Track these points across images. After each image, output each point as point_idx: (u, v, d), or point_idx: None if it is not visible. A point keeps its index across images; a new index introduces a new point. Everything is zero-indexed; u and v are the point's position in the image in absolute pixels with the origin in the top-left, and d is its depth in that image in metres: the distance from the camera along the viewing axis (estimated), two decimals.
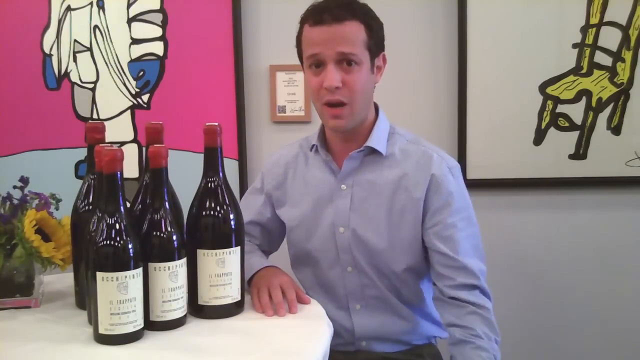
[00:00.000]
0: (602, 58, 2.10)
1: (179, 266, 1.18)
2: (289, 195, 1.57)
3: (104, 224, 1.11)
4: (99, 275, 1.09)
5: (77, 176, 2.21)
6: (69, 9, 2.17)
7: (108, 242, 1.10)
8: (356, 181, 1.47)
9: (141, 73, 2.19)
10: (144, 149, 1.28)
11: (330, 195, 1.49)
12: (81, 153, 2.17)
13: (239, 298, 1.27)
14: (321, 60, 1.38)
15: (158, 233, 1.17)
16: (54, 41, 2.18)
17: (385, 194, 1.45)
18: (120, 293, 1.09)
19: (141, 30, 2.17)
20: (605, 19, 2.09)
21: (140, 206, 1.26)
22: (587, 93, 2.12)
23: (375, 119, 1.49)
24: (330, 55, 1.36)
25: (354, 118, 1.42)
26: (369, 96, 1.45)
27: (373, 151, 1.46)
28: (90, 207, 1.28)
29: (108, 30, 2.17)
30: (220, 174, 1.26)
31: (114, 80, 2.19)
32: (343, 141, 1.48)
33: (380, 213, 1.45)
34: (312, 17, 1.38)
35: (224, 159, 1.28)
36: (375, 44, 1.41)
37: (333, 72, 1.36)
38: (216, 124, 1.25)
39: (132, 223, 1.14)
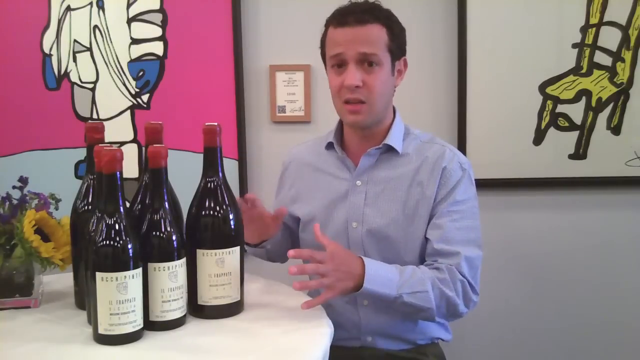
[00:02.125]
0: (601, 58, 2.10)
1: (179, 266, 1.18)
2: (303, 192, 1.61)
3: (104, 224, 1.11)
4: (99, 275, 1.09)
5: (77, 176, 2.21)
6: (68, 9, 2.17)
7: (107, 242, 1.10)
8: (371, 177, 1.52)
9: (141, 73, 2.19)
10: (143, 149, 1.28)
11: (346, 191, 1.53)
12: (81, 153, 2.17)
13: (238, 298, 1.27)
14: (343, 60, 1.44)
15: (157, 233, 1.17)
16: (54, 41, 2.18)
17: (400, 189, 1.49)
18: (119, 293, 1.09)
19: (141, 30, 2.17)
20: (605, 19, 2.09)
21: (139, 206, 1.26)
22: (586, 93, 2.12)
23: (392, 120, 1.54)
24: (352, 55, 1.42)
25: (372, 116, 1.47)
26: (388, 97, 1.51)
27: (389, 149, 1.52)
28: (90, 207, 1.28)
29: (108, 30, 2.17)
30: (220, 174, 1.27)
31: (114, 80, 2.19)
32: (361, 140, 1.53)
33: (394, 208, 1.48)
34: (336, 19, 1.45)
35: (224, 159, 1.28)
36: (397, 47, 1.47)
37: (354, 72, 1.42)
38: (216, 123, 1.25)
39: (132, 223, 1.14)
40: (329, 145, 1.58)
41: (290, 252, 1.30)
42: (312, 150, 1.64)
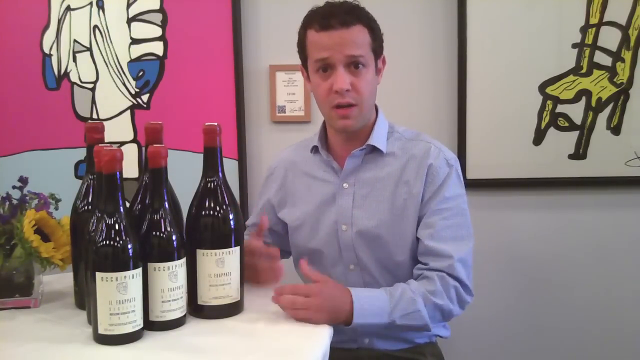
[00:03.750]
0: (601, 58, 2.10)
1: (179, 266, 1.18)
2: (290, 196, 1.60)
3: (104, 224, 1.11)
4: (99, 275, 1.09)
5: (77, 176, 2.21)
6: (68, 9, 2.17)
7: (107, 242, 1.10)
8: (358, 179, 1.51)
9: (141, 73, 2.19)
10: (143, 149, 1.28)
11: (333, 194, 1.53)
12: (81, 153, 2.17)
13: (238, 298, 1.27)
14: (330, 64, 1.42)
15: (157, 233, 1.17)
16: (54, 41, 2.18)
17: (387, 189, 1.49)
18: (119, 293, 1.09)
19: (141, 30, 2.17)
20: (605, 19, 2.09)
21: (139, 206, 1.26)
22: (586, 93, 2.12)
23: (375, 119, 1.53)
24: (340, 58, 1.40)
25: (362, 118, 1.47)
26: (374, 97, 1.50)
27: (374, 149, 1.51)
28: (90, 207, 1.28)
29: (108, 30, 2.17)
30: (220, 174, 1.27)
31: (114, 80, 2.19)
32: (345, 141, 1.52)
33: (382, 208, 1.48)
34: (318, 22, 1.42)
35: (224, 159, 1.28)
36: (379, 46, 1.47)
37: (343, 75, 1.41)
38: (216, 123, 1.25)
39: (132, 223, 1.14)
40: (315, 149, 1.57)
41: (273, 298, 1.28)
42: (298, 154, 1.63)
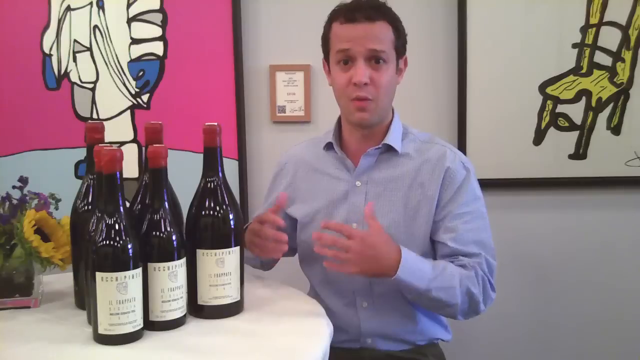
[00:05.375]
0: (602, 58, 2.10)
1: (179, 266, 1.18)
2: (300, 193, 1.60)
3: (104, 224, 1.11)
4: (99, 275, 1.09)
5: (77, 176, 2.21)
6: (68, 9, 2.16)
7: (107, 242, 1.10)
8: (371, 178, 1.51)
9: (141, 73, 2.19)
10: (143, 149, 1.28)
11: (345, 192, 1.53)
12: (81, 153, 2.17)
13: (238, 298, 1.27)
14: (351, 56, 1.43)
15: (157, 233, 1.17)
16: (54, 41, 2.17)
17: (400, 189, 1.49)
18: (119, 293, 1.09)
19: (141, 30, 2.17)
20: (605, 19, 2.09)
21: (139, 206, 1.26)
22: (586, 93, 2.12)
23: (391, 120, 1.54)
24: (361, 51, 1.42)
25: (378, 114, 1.47)
26: (392, 95, 1.51)
27: (389, 149, 1.51)
28: (90, 207, 1.28)
29: (108, 30, 2.17)
30: (220, 174, 1.27)
31: (114, 80, 2.19)
32: (361, 139, 1.52)
33: (395, 208, 1.48)
34: (343, 15, 1.45)
35: (224, 158, 1.28)
36: (402, 45, 1.49)
37: (363, 68, 1.42)
38: (216, 123, 1.25)
39: (132, 223, 1.14)
40: (328, 146, 1.57)
41: (313, 236, 1.31)
42: (309, 151, 1.63)
